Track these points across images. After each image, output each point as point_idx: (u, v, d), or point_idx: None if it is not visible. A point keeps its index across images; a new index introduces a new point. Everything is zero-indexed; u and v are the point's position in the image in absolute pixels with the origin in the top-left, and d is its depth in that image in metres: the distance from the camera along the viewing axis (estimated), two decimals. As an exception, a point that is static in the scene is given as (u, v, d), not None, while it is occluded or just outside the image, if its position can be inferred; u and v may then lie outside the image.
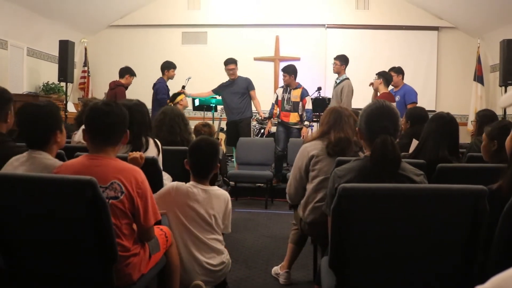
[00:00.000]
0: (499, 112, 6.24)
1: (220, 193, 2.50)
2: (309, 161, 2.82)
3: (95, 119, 1.96)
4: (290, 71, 6.25)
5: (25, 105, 2.19)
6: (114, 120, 1.96)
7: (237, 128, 6.50)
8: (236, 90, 6.49)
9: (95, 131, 1.96)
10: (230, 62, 6.43)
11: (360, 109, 2.17)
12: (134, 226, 1.96)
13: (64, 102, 7.06)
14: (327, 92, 7.45)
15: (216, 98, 6.97)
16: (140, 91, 6.59)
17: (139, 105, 2.97)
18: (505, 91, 6.28)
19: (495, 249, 1.64)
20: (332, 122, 2.82)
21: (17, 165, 2.07)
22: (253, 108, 6.87)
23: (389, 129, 1.89)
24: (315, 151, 2.81)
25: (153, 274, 2.18)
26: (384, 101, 2.01)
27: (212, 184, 2.56)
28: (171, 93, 6.49)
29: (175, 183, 2.44)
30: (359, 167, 1.91)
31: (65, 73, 7.07)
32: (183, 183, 2.45)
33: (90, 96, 8.26)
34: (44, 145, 2.12)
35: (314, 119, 6.93)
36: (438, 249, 1.66)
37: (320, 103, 6.73)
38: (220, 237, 2.47)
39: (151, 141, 2.87)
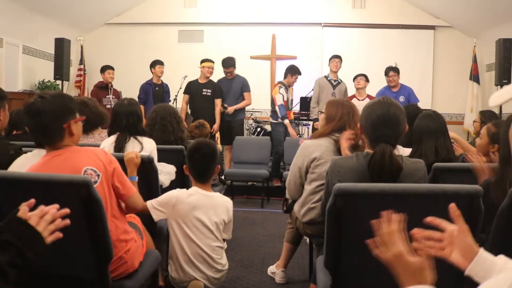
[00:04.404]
0: (495, 111, 6.26)
1: (224, 200, 2.42)
2: (310, 163, 2.69)
3: (29, 121, 1.85)
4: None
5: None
6: (48, 116, 1.81)
7: (230, 128, 6.43)
8: (232, 90, 6.44)
9: (36, 133, 1.88)
10: (230, 65, 6.36)
11: None
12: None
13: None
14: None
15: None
16: (136, 89, 6.58)
17: (132, 104, 2.96)
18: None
19: (489, 248, 1.65)
20: (346, 118, 2.68)
21: (27, 163, 2.08)
22: (250, 108, 6.90)
23: (390, 138, 1.89)
24: (317, 153, 2.66)
25: (151, 266, 2.20)
26: (391, 103, 1.94)
27: None
28: (173, 92, 6.54)
29: (176, 191, 2.34)
30: (361, 166, 1.92)
31: (61, 71, 7.05)
32: (185, 190, 2.36)
33: (86, 94, 8.23)
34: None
35: (305, 118, 7.22)
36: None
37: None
38: (222, 244, 2.41)
39: (144, 139, 2.87)
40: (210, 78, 6.32)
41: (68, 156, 1.86)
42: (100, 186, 1.84)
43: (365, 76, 6.25)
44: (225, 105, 6.29)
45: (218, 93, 6.28)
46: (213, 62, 6.30)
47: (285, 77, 6.38)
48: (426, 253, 1.06)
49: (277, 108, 6.17)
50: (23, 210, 1.26)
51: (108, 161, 1.92)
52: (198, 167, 2.40)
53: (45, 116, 1.80)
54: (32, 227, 1.23)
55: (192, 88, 6.29)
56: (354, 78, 6.31)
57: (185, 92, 6.38)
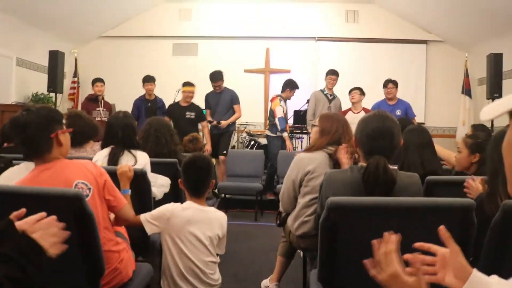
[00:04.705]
0: (487, 125, 6.31)
1: (219, 215, 2.39)
2: (304, 176, 2.69)
3: (16, 134, 1.85)
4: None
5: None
6: (34, 128, 1.81)
7: (218, 141, 6.36)
8: (221, 103, 6.39)
9: (23, 146, 1.86)
10: (219, 79, 6.30)
11: None
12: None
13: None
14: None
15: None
16: (130, 102, 6.58)
17: (127, 117, 2.96)
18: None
19: (483, 261, 1.66)
20: (341, 130, 2.72)
21: (14, 176, 2.04)
22: (243, 121, 6.87)
23: (385, 150, 1.91)
24: (311, 166, 2.66)
25: (144, 280, 2.19)
26: (386, 117, 1.97)
27: None
28: (167, 104, 6.51)
29: (170, 205, 2.30)
30: (356, 179, 1.93)
31: (54, 83, 7.04)
32: (179, 204, 2.33)
33: (79, 106, 8.21)
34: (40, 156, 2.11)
35: (298, 131, 7.22)
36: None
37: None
38: (216, 259, 2.37)
39: (138, 153, 2.86)
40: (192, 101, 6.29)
41: (57, 170, 1.84)
42: (92, 199, 1.82)
43: (360, 89, 6.29)
44: (213, 121, 6.26)
45: (202, 116, 6.25)
46: (194, 86, 6.24)
47: (283, 90, 6.44)
48: (421, 278, 1.05)
49: (277, 120, 6.19)
50: (24, 222, 1.24)
51: (99, 174, 1.90)
52: (193, 181, 2.37)
53: (31, 128, 1.79)
54: (33, 240, 1.21)
55: (175, 112, 6.19)
56: (349, 92, 6.35)
57: (167, 115, 6.21)
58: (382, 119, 1.95)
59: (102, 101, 6.64)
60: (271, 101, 6.54)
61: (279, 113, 6.18)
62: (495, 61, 6.54)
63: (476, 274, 1.06)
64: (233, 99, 6.39)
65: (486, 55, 6.75)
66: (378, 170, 1.83)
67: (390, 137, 1.93)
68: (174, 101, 6.47)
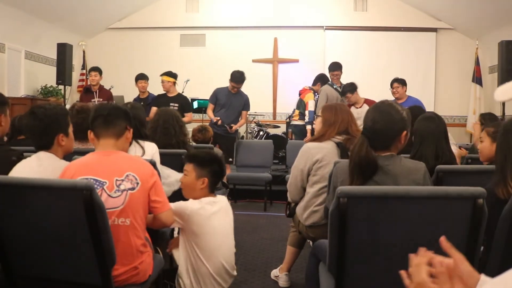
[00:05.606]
0: (498, 113, 6.24)
1: (226, 202, 2.41)
2: (312, 165, 2.70)
3: (101, 110, 2.07)
4: None
5: (32, 107, 2.20)
6: (120, 112, 2.06)
7: (220, 141, 5.91)
8: (233, 105, 6.08)
9: (102, 119, 2.04)
10: (241, 81, 5.97)
11: None
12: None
13: (63, 105, 7.03)
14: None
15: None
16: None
17: (135, 108, 2.96)
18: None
19: (495, 250, 1.64)
20: (347, 120, 2.74)
21: (27, 169, 2.05)
22: (252, 111, 6.83)
23: (370, 131, 1.93)
24: (319, 154, 2.67)
25: (155, 271, 2.19)
26: (387, 104, 2.01)
27: None
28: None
29: (190, 202, 2.26)
30: None
31: (63, 76, 7.06)
32: (195, 201, 2.28)
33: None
34: (49, 146, 2.12)
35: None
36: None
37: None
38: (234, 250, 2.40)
39: (146, 143, 2.86)
40: (180, 92, 6.16)
41: (115, 158, 1.96)
42: (137, 193, 1.90)
43: (350, 89, 5.92)
44: (219, 119, 5.91)
45: (187, 107, 6.06)
46: (171, 77, 6.03)
47: (314, 84, 6.49)
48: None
49: (307, 112, 6.28)
50: None
51: (151, 174, 1.98)
52: (219, 176, 2.43)
53: (116, 111, 2.05)
54: None
55: (160, 102, 5.94)
56: (344, 96, 6.08)
57: (153, 105, 6.06)
58: (382, 105, 2.00)
59: (97, 91, 6.41)
60: (302, 92, 6.56)
61: (311, 106, 6.28)
62: (507, 48, 6.43)
63: (484, 279, 1.05)
64: (246, 105, 6.12)
65: (498, 43, 6.64)
66: (355, 147, 1.91)
67: (387, 120, 1.93)
68: (183, 92, 6.41)
